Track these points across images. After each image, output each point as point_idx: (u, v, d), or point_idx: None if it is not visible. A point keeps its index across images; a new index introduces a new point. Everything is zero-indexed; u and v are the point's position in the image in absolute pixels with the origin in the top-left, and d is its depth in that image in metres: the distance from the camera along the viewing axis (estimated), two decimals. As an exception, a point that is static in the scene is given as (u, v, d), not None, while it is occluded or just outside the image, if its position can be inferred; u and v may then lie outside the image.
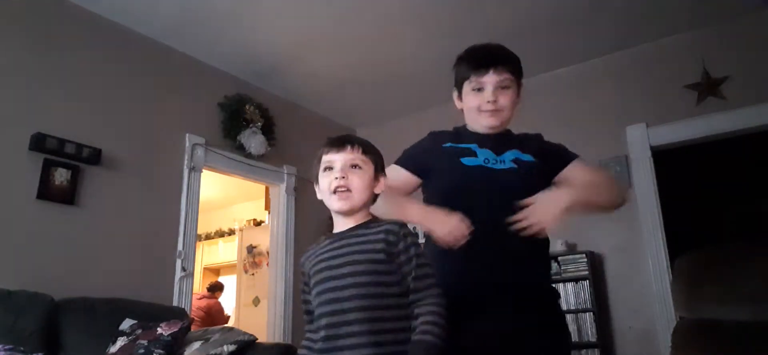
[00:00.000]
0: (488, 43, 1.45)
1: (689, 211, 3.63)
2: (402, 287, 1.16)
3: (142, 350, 2.07)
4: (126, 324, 2.28)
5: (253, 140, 3.51)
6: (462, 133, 1.47)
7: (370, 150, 1.28)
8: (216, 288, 5.79)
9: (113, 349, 2.14)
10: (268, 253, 4.24)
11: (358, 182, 1.23)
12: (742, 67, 3.00)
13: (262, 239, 5.39)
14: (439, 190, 1.39)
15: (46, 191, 2.52)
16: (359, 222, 1.25)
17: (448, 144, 1.43)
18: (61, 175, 2.58)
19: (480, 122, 1.42)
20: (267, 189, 4.31)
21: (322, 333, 1.15)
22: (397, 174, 1.44)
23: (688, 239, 2.82)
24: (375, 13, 2.98)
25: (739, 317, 2.06)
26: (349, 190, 1.21)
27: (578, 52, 3.42)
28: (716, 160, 3.76)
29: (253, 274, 5.62)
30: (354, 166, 1.24)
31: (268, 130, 3.63)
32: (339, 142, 1.25)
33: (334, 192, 1.22)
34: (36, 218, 2.48)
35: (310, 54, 3.42)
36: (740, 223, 3.56)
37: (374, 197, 1.29)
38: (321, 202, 1.30)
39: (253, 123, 3.53)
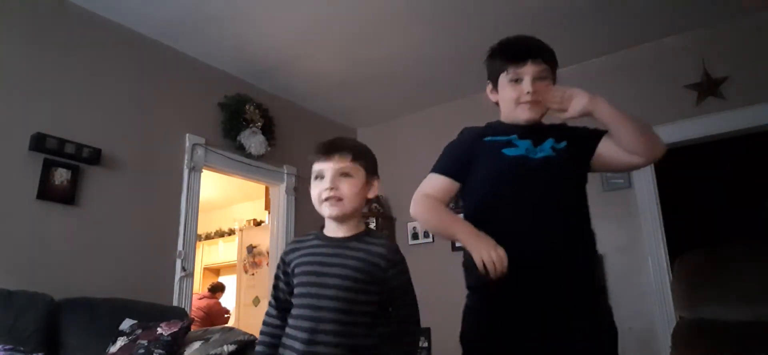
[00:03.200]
0: (523, 35, 1.44)
1: (689, 211, 3.63)
2: (377, 307, 1.21)
3: (142, 350, 2.07)
4: (126, 324, 2.28)
5: (253, 140, 3.51)
6: (498, 126, 1.45)
7: (359, 155, 1.29)
8: (217, 289, 5.79)
9: (113, 349, 2.14)
10: (268, 253, 4.24)
11: (348, 190, 1.24)
12: (742, 67, 3.00)
13: (262, 239, 5.39)
14: (483, 182, 1.38)
15: (46, 191, 2.51)
16: (352, 232, 1.27)
17: (489, 138, 1.41)
18: (61, 176, 2.58)
19: (518, 115, 1.40)
20: (267, 189, 4.32)
21: (294, 331, 1.19)
22: (437, 183, 1.42)
23: (688, 239, 2.83)
24: (375, 13, 2.98)
25: (739, 317, 2.07)
26: (339, 198, 1.23)
27: (578, 52, 3.42)
28: (716, 160, 3.76)
29: (253, 274, 5.63)
30: (344, 174, 1.25)
31: (268, 130, 3.63)
32: (327, 151, 1.26)
33: (325, 200, 1.23)
34: (36, 218, 2.48)
35: (310, 54, 3.42)
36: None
37: (367, 201, 1.30)
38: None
39: (253, 123, 3.53)
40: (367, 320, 1.18)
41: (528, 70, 1.37)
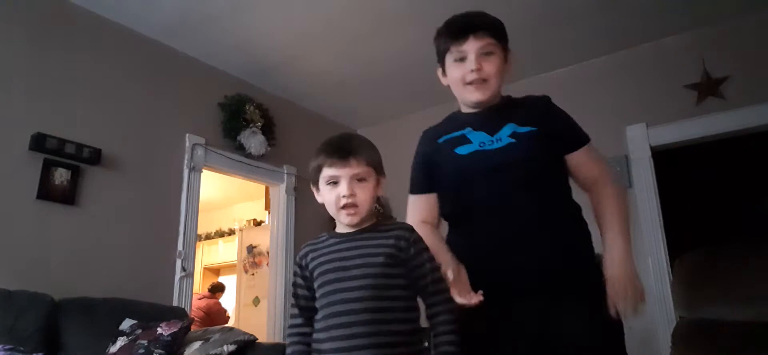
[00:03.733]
0: (467, 11, 1.36)
1: (689, 211, 3.63)
2: (408, 291, 1.19)
3: (142, 350, 2.07)
4: (126, 324, 2.28)
5: (253, 140, 3.51)
6: (454, 119, 1.40)
7: (371, 157, 1.26)
8: (217, 289, 5.79)
9: (113, 349, 2.14)
10: (268, 253, 4.24)
11: (364, 196, 1.23)
12: (742, 67, 3.00)
13: (262, 239, 5.39)
14: (442, 190, 1.35)
15: (46, 191, 2.51)
16: (366, 225, 1.25)
17: (443, 138, 1.37)
18: (61, 176, 2.58)
19: (466, 98, 1.33)
20: (267, 189, 4.31)
21: (327, 333, 1.17)
22: (417, 206, 1.40)
23: (688, 239, 2.83)
24: (375, 12, 2.98)
25: (739, 317, 2.06)
26: (356, 205, 1.22)
27: (578, 52, 3.42)
28: (716, 160, 3.76)
29: (253, 274, 5.62)
30: (359, 179, 1.23)
31: (268, 130, 3.63)
32: (342, 155, 1.22)
33: (343, 208, 1.21)
34: (36, 218, 2.48)
35: (310, 53, 3.42)
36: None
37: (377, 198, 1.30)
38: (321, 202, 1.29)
39: (253, 123, 3.53)
40: (399, 305, 1.16)
41: (471, 46, 1.28)
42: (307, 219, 3.88)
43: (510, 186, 1.22)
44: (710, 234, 3.16)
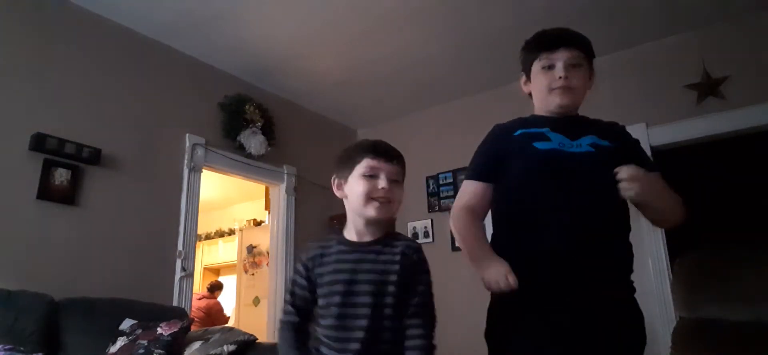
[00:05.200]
0: (558, 27, 1.42)
1: (689, 211, 3.63)
2: (404, 307, 1.20)
3: (142, 350, 2.07)
4: (126, 324, 2.28)
5: (253, 140, 3.51)
6: (529, 120, 1.41)
7: (404, 166, 1.31)
8: (215, 288, 5.79)
9: (113, 349, 2.14)
10: (268, 253, 4.24)
11: (398, 195, 1.26)
12: (742, 67, 3.00)
13: (262, 239, 5.39)
14: (513, 178, 1.34)
15: (46, 191, 2.51)
16: (378, 235, 1.26)
17: (520, 131, 1.38)
18: (61, 176, 2.58)
19: (550, 102, 1.36)
20: (267, 189, 4.31)
21: (330, 344, 1.18)
22: (470, 190, 1.41)
23: (688, 239, 2.82)
24: (375, 12, 2.98)
25: (739, 317, 2.06)
26: (390, 201, 1.23)
27: (578, 52, 3.41)
28: (716, 160, 3.75)
29: (253, 274, 5.63)
30: (395, 180, 1.26)
31: (268, 130, 3.63)
32: (388, 154, 1.26)
33: (374, 200, 1.22)
34: (36, 218, 2.48)
35: (310, 54, 3.42)
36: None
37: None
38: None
39: (253, 123, 3.53)
40: (394, 325, 1.19)
41: (561, 56, 1.33)
42: (307, 219, 3.88)
43: (584, 191, 1.25)
44: (710, 234, 3.16)
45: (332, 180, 1.31)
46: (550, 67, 1.35)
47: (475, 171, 1.43)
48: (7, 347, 1.91)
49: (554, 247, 1.22)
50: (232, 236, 6.61)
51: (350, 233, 1.27)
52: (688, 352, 2.08)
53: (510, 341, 1.26)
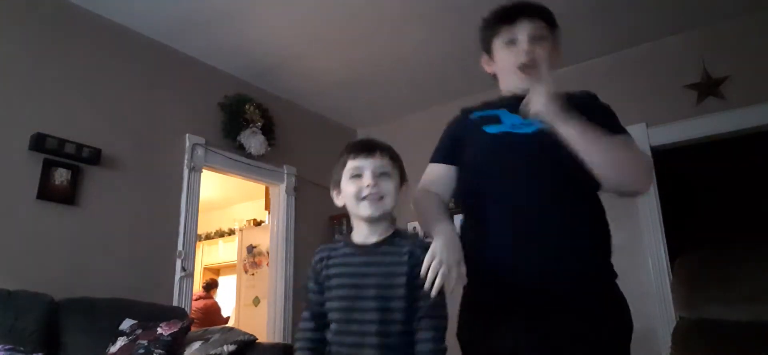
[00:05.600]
0: None
1: (689, 211, 3.63)
2: (408, 309, 1.16)
3: (142, 350, 2.07)
4: (126, 324, 2.28)
5: (253, 140, 3.51)
6: (491, 101, 1.32)
7: (396, 157, 1.27)
8: (211, 286, 5.80)
9: (113, 349, 2.14)
10: (268, 253, 4.24)
11: (389, 188, 1.22)
12: (742, 67, 3.00)
13: (262, 239, 5.39)
14: (465, 166, 1.29)
15: (46, 191, 2.51)
16: (384, 235, 1.23)
17: (475, 114, 1.31)
18: (61, 176, 2.57)
19: (517, 84, 1.25)
20: (267, 189, 4.31)
21: (339, 338, 1.17)
22: (431, 172, 1.35)
23: (688, 239, 2.83)
24: (375, 13, 2.98)
25: (739, 317, 2.06)
26: (380, 196, 1.20)
27: (578, 52, 3.42)
28: (716, 160, 3.75)
29: (253, 274, 5.62)
30: (383, 173, 1.22)
31: (268, 130, 3.63)
32: (368, 149, 1.23)
33: (364, 198, 1.20)
34: (36, 218, 2.48)
35: (310, 54, 3.42)
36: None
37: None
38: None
39: (253, 123, 3.53)
40: (405, 328, 1.16)
41: (522, 28, 1.24)
42: (307, 219, 3.88)
43: (532, 174, 1.15)
44: (711, 234, 3.16)
45: (331, 191, 1.30)
46: (512, 42, 1.25)
47: (436, 152, 1.38)
48: (7, 347, 1.91)
49: (502, 240, 1.14)
50: (232, 236, 6.61)
51: (356, 236, 1.26)
52: (688, 352, 2.08)
53: (470, 340, 1.22)
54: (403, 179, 1.28)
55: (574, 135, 1.09)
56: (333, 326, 1.19)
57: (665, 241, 3.06)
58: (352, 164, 1.23)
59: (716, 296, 2.17)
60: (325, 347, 1.22)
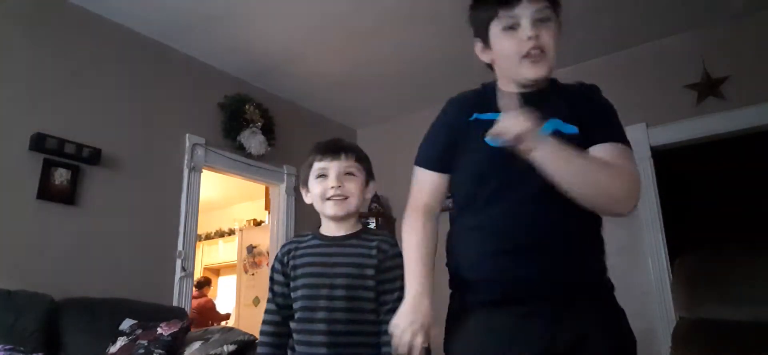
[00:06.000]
0: None
1: (689, 211, 3.63)
2: (378, 302, 1.20)
3: (142, 350, 2.07)
4: (126, 324, 2.28)
5: (253, 140, 3.51)
6: (490, 96, 1.15)
7: (362, 157, 1.31)
8: (203, 284, 5.80)
9: (113, 349, 2.14)
10: (268, 253, 4.24)
11: (353, 188, 1.26)
12: (742, 67, 3.00)
13: (262, 239, 5.39)
14: (464, 176, 1.15)
15: (46, 191, 2.51)
16: (351, 231, 1.27)
17: (475, 116, 1.15)
18: (61, 176, 2.57)
19: (522, 74, 1.11)
20: (267, 189, 4.31)
21: (305, 336, 1.19)
22: (424, 185, 1.19)
23: (688, 239, 2.83)
24: (375, 13, 2.98)
25: (739, 317, 2.06)
26: (345, 197, 1.24)
27: (578, 52, 3.41)
28: (716, 160, 3.75)
29: (253, 274, 5.63)
30: (348, 173, 1.26)
31: (268, 130, 3.63)
32: (333, 150, 1.27)
33: (330, 199, 1.23)
34: (36, 218, 2.48)
35: (311, 54, 3.42)
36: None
37: (363, 203, 1.31)
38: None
39: (253, 123, 3.53)
40: (371, 317, 1.20)
41: (524, 10, 1.07)
42: (307, 219, 3.87)
43: (538, 190, 1.04)
44: (710, 234, 3.16)
45: (301, 190, 1.34)
46: (514, 27, 1.09)
47: (429, 158, 1.20)
48: (7, 347, 1.91)
49: (504, 251, 1.05)
50: (232, 236, 6.61)
51: (325, 231, 1.29)
52: (688, 352, 2.08)
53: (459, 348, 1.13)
54: (370, 177, 1.31)
55: (544, 158, 0.99)
56: (299, 314, 1.21)
57: (665, 241, 3.06)
58: (318, 165, 1.27)
59: (716, 296, 2.18)
60: (288, 339, 1.24)
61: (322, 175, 1.26)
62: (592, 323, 1.04)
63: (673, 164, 3.42)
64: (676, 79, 3.18)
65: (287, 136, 3.88)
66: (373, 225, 3.94)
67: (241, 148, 3.48)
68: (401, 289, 1.12)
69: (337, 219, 1.26)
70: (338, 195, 1.23)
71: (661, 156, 3.26)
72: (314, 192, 1.27)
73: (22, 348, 1.95)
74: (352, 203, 1.25)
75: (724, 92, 3.03)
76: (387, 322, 1.09)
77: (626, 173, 1.07)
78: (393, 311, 1.10)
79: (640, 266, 3.08)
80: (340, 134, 4.35)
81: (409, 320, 1.02)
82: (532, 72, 1.09)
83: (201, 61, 3.43)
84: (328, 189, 1.24)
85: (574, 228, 1.07)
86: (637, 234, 3.12)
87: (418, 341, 1.01)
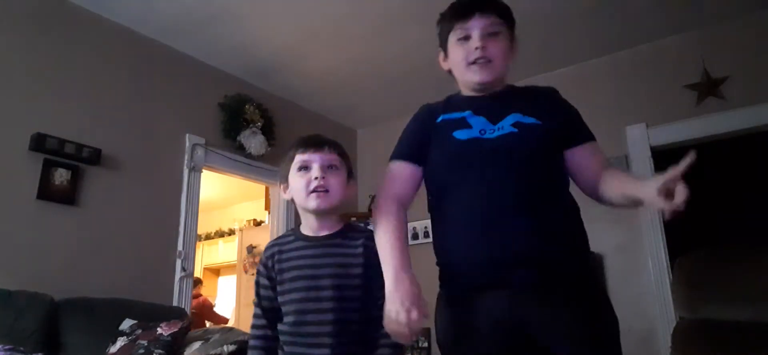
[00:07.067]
0: None
1: (689, 211, 3.63)
2: (366, 298, 1.19)
3: (142, 350, 2.07)
4: (126, 324, 2.28)
5: (253, 140, 3.51)
6: (454, 102, 1.31)
7: (344, 154, 1.29)
8: (195, 283, 5.79)
9: (113, 349, 2.14)
10: (268, 253, 4.23)
11: (336, 182, 1.24)
12: (742, 67, 3.00)
13: (262, 239, 5.38)
14: (434, 171, 1.26)
15: (46, 191, 2.51)
16: (334, 229, 1.25)
17: (442, 118, 1.27)
18: (61, 176, 2.57)
19: (469, 79, 1.25)
20: (267, 189, 4.31)
21: (296, 339, 1.18)
22: (398, 174, 1.28)
23: (688, 239, 2.82)
24: (375, 12, 2.98)
25: (739, 317, 2.07)
26: (327, 190, 1.22)
27: (578, 52, 3.42)
28: (716, 160, 3.75)
29: (253, 274, 5.62)
30: (331, 166, 1.24)
31: (268, 130, 3.63)
32: (316, 143, 1.25)
33: (312, 192, 1.21)
34: (36, 218, 2.48)
35: (311, 53, 3.42)
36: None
37: (344, 201, 1.29)
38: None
39: (253, 123, 3.53)
40: (359, 317, 1.20)
41: (476, 24, 1.22)
42: (307, 219, 3.88)
43: (505, 177, 1.14)
44: (710, 234, 3.16)
45: (279, 186, 1.32)
46: (466, 38, 1.23)
47: (402, 151, 1.30)
48: (7, 347, 1.91)
49: (477, 237, 1.13)
50: (232, 236, 6.61)
51: (306, 229, 1.27)
52: (688, 352, 2.08)
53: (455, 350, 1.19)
54: (350, 176, 1.30)
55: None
56: (288, 318, 1.20)
57: (665, 241, 3.06)
58: (300, 158, 1.25)
59: (716, 296, 2.18)
60: (277, 343, 1.23)
61: (305, 168, 1.23)
62: (569, 306, 1.10)
63: (673, 164, 3.42)
64: (676, 79, 3.18)
65: (287, 136, 3.87)
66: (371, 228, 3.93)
67: (241, 148, 3.48)
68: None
69: (319, 214, 1.23)
70: (321, 187, 1.21)
71: (661, 156, 3.26)
72: (296, 186, 1.24)
73: (22, 348, 1.95)
74: (335, 197, 1.23)
75: (724, 92, 3.03)
76: (380, 320, 1.10)
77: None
78: (381, 308, 1.11)
79: (640, 266, 3.08)
80: (340, 134, 4.38)
81: (396, 299, 1.04)
82: (477, 77, 1.23)
83: (201, 61, 3.43)
84: (311, 181, 1.21)
85: (548, 210, 1.14)
86: (637, 234, 3.12)
87: (414, 314, 1.01)
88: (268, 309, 1.25)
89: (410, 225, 4.02)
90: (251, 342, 1.25)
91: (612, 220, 3.13)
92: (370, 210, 3.94)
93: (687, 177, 0.98)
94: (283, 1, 2.86)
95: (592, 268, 1.19)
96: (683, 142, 3.19)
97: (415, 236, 3.98)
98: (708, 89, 3.07)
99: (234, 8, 2.90)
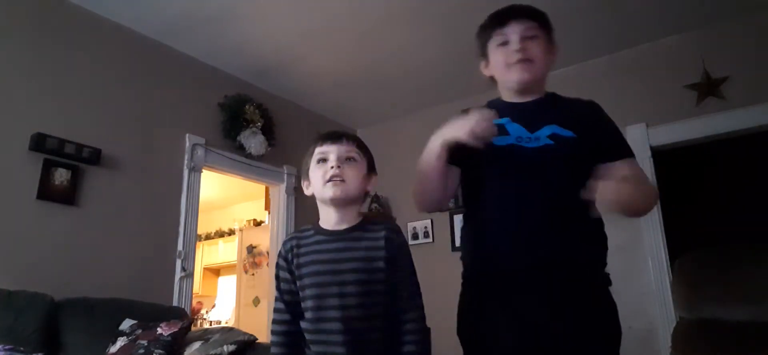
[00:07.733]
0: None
1: (689, 211, 3.63)
2: (389, 290, 1.19)
3: (142, 350, 2.07)
4: (126, 324, 2.28)
5: (253, 140, 3.51)
6: (494, 106, 1.31)
7: (363, 147, 1.30)
8: None
9: (113, 349, 2.14)
10: (268, 253, 4.24)
11: (353, 173, 1.24)
12: (742, 67, 3.00)
13: (262, 239, 5.39)
14: (472, 174, 1.31)
15: (46, 191, 2.51)
16: (353, 222, 1.25)
17: None
18: (61, 176, 2.57)
19: (510, 79, 1.30)
20: (267, 189, 4.32)
21: (319, 336, 1.17)
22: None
23: (688, 239, 2.83)
24: (376, 13, 2.98)
25: (739, 317, 2.07)
26: (343, 179, 1.22)
27: (578, 52, 3.42)
28: (716, 160, 3.76)
29: (253, 274, 5.62)
30: (349, 158, 1.25)
31: (268, 130, 3.63)
32: (334, 135, 1.27)
33: (329, 181, 1.22)
34: (36, 218, 2.48)
35: (311, 53, 3.42)
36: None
37: (365, 195, 1.29)
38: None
39: (253, 123, 3.53)
40: (383, 311, 1.18)
41: (513, 28, 1.28)
42: (307, 219, 3.86)
43: (538, 188, 1.20)
44: (710, 234, 3.16)
45: (302, 183, 1.33)
46: (505, 43, 1.29)
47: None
48: (7, 347, 1.91)
49: (505, 243, 1.20)
50: (232, 236, 6.60)
51: (326, 223, 1.27)
52: (688, 352, 2.08)
53: (476, 341, 1.24)
54: (371, 169, 1.30)
55: (602, 194, 1.09)
56: (309, 314, 1.19)
57: (665, 241, 3.06)
58: (318, 150, 1.27)
59: (716, 296, 2.18)
60: (301, 338, 1.22)
61: (323, 160, 1.25)
62: (589, 313, 1.17)
63: (673, 164, 3.42)
64: (676, 79, 3.18)
65: (287, 136, 3.88)
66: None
67: (241, 149, 3.48)
68: (409, 276, 1.21)
69: (337, 204, 1.23)
70: (337, 176, 1.21)
71: (661, 156, 3.26)
72: (315, 177, 1.26)
73: (22, 348, 1.95)
74: (352, 186, 1.23)
75: (724, 92, 3.03)
76: (406, 311, 1.17)
77: (651, 190, 1.32)
78: (408, 297, 1.18)
79: (640, 266, 3.08)
80: (340, 134, 4.38)
81: (460, 123, 1.15)
82: (517, 76, 1.29)
83: (201, 61, 3.44)
84: (328, 171, 1.22)
85: (576, 223, 1.18)
86: (637, 234, 3.12)
87: (473, 116, 1.13)
88: (290, 303, 1.24)
89: (410, 225, 4.03)
90: (273, 338, 1.25)
91: (612, 220, 3.11)
92: (370, 210, 3.94)
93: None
94: (283, 1, 2.86)
95: (605, 282, 1.25)
96: (683, 142, 3.19)
97: (415, 236, 3.99)
98: (708, 89, 3.07)
99: (234, 8, 2.90)
